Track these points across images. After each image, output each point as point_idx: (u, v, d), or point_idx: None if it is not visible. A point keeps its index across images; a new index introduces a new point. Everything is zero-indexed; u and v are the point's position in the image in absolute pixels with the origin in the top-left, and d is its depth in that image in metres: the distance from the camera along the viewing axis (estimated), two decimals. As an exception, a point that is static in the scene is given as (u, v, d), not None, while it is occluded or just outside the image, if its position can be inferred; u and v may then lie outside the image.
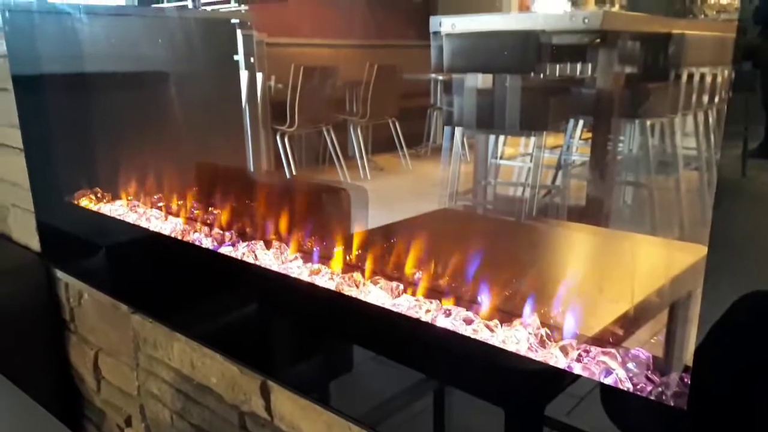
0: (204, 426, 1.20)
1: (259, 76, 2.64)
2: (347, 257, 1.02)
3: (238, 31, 2.21)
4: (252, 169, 2.43)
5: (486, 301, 0.80)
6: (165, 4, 2.21)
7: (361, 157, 3.33)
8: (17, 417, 1.01)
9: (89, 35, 1.49)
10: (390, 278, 0.90)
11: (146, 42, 1.62)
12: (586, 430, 0.67)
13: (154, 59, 1.63)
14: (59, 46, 1.50)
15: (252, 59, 2.45)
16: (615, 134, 2.29)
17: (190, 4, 2.35)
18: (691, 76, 2.34)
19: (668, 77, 2.32)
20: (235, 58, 2.19)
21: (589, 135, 2.22)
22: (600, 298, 0.89)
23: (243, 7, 2.51)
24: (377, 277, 0.89)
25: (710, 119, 2.57)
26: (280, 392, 1.01)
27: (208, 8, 2.55)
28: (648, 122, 2.34)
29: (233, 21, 2.15)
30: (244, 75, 2.40)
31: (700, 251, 1.07)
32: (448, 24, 2.23)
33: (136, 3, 2.13)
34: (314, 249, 1.07)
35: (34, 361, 1.57)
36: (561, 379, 0.64)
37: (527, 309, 0.74)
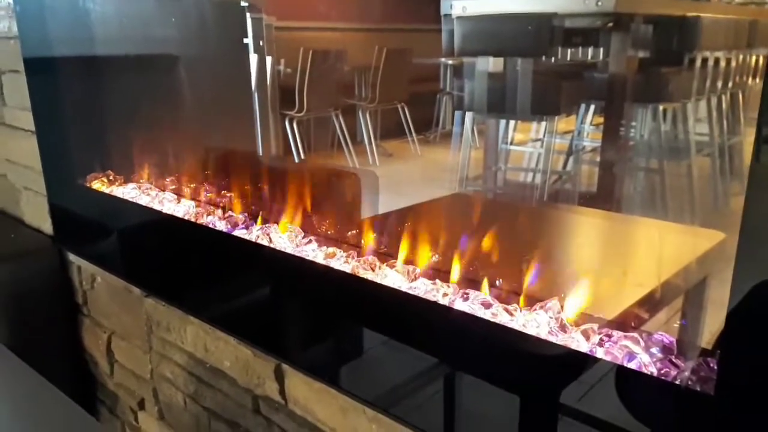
0: (217, 409, 1.20)
1: (269, 60, 2.62)
2: (363, 241, 1.01)
3: (248, 14, 2.19)
4: (261, 153, 2.42)
5: (504, 284, 0.79)
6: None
7: (370, 143, 3.31)
8: (34, 399, 1.02)
9: (101, 17, 1.48)
10: (410, 263, 0.90)
11: (157, 24, 1.61)
12: (604, 419, 0.66)
13: (165, 41, 1.61)
14: (70, 28, 1.48)
15: (261, 43, 2.43)
16: (627, 119, 2.27)
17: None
18: (705, 61, 2.31)
19: (682, 62, 2.29)
20: (245, 41, 2.18)
21: (601, 120, 2.20)
22: (617, 282, 0.88)
23: (252, -10, 2.48)
24: (393, 261, 0.89)
25: (724, 105, 2.55)
26: (294, 376, 1.01)
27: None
28: (661, 107, 2.31)
29: (243, 4, 2.13)
30: (253, 59, 2.38)
31: (715, 236, 1.06)
32: (459, 6, 2.20)
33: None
34: (328, 232, 1.06)
35: (47, 345, 1.58)
36: (583, 364, 0.64)
37: (547, 293, 0.73)
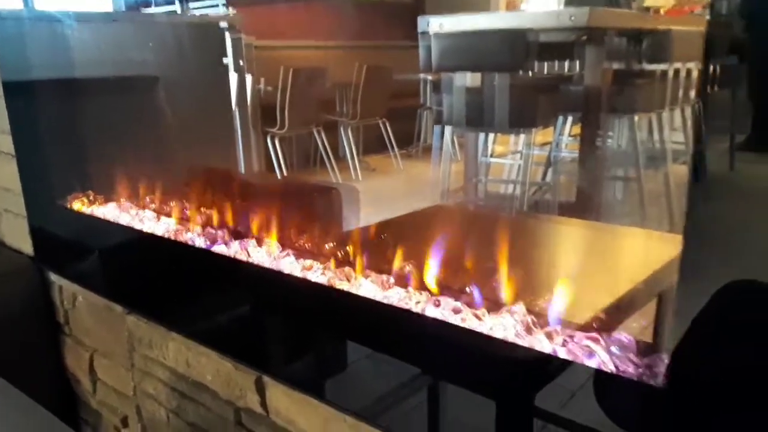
0: (200, 423, 1.21)
1: (249, 78, 2.65)
2: (339, 253, 1.03)
3: (227, 35, 2.22)
4: (243, 171, 2.44)
5: (477, 291, 0.81)
6: (153, 9, 2.22)
7: (352, 158, 3.34)
8: (20, 418, 1.03)
9: (79, 41, 1.51)
10: (382, 272, 0.92)
11: (136, 47, 1.63)
12: (581, 423, 0.69)
13: (144, 63, 1.64)
14: (49, 52, 1.51)
15: (241, 62, 2.47)
16: (603, 130, 2.32)
17: (178, 9, 2.36)
18: (677, 72, 2.37)
19: (655, 73, 2.35)
20: (224, 61, 2.21)
21: (578, 131, 2.25)
22: (586, 287, 0.91)
23: (231, 11, 2.52)
24: (368, 271, 0.91)
25: (698, 113, 2.60)
26: (275, 387, 1.02)
27: (197, 12, 2.56)
28: (636, 117, 2.37)
29: (222, 25, 2.17)
30: (233, 78, 2.41)
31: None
32: (435, 24, 2.25)
33: (123, 8, 2.14)
34: (306, 246, 1.08)
35: (29, 365, 1.58)
36: (546, 363, 0.66)
37: (515, 298, 0.76)
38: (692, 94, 2.55)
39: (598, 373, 0.63)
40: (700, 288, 0.57)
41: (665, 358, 0.61)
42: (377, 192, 2.98)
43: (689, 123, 2.57)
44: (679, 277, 0.59)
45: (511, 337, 0.70)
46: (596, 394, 0.65)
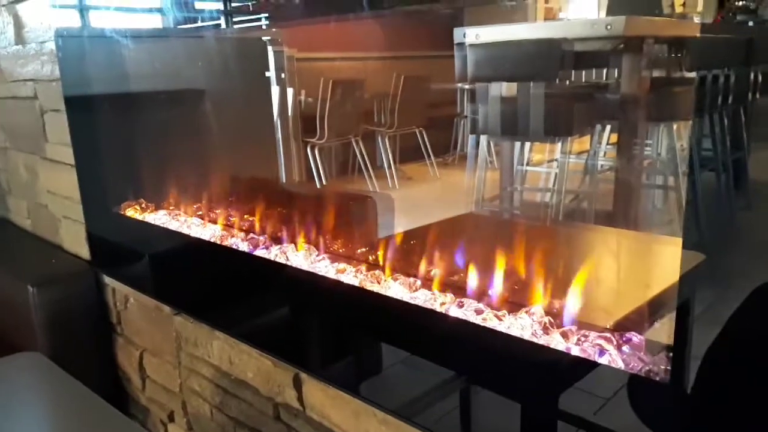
0: (241, 418, 1.29)
1: (290, 90, 2.74)
2: (372, 258, 1.09)
3: (269, 48, 2.31)
4: (284, 180, 2.53)
5: (503, 294, 0.86)
6: (200, 23, 2.33)
7: (390, 167, 3.40)
8: (77, 404, 1.12)
9: (133, 57, 1.61)
10: (413, 276, 0.97)
11: (185, 61, 1.73)
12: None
13: (192, 78, 1.73)
14: (106, 68, 1.62)
15: (283, 75, 2.56)
16: (641, 138, 2.31)
17: (223, 24, 2.46)
18: (716, 78, 2.35)
19: (693, 80, 2.34)
20: (267, 74, 2.29)
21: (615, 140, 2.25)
22: (614, 293, 0.94)
23: (273, 25, 2.61)
24: (397, 275, 0.97)
25: (726, 120, 2.58)
26: (310, 383, 1.08)
27: (241, 26, 2.66)
28: (674, 125, 2.35)
29: (264, 38, 2.26)
30: (275, 90, 2.50)
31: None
32: (471, 35, 2.29)
33: (172, 25, 2.25)
34: (342, 250, 1.15)
35: (85, 362, 1.68)
36: (560, 361, 0.71)
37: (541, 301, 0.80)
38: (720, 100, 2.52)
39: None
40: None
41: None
42: (413, 200, 3.03)
43: (718, 130, 2.54)
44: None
45: (527, 337, 0.74)
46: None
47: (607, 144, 2.62)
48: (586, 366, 0.70)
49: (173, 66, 1.71)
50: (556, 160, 2.47)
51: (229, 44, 1.97)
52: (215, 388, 1.34)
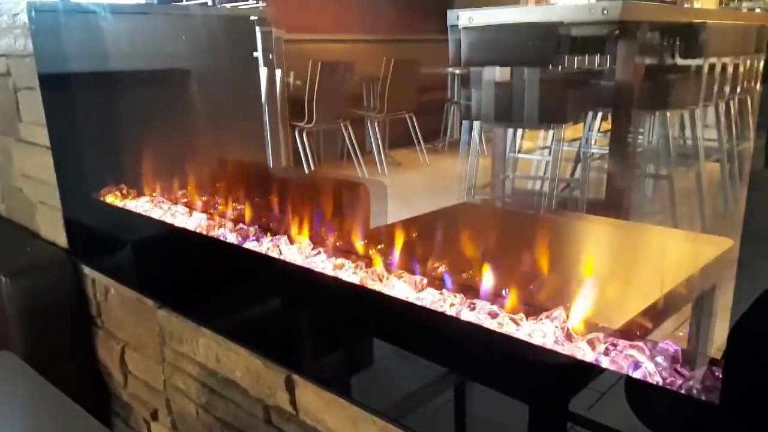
0: (229, 419, 1.22)
1: (278, 72, 2.65)
2: (368, 251, 1.03)
3: (257, 28, 2.22)
4: (271, 165, 2.45)
5: (512, 294, 0.80)
6: (185, 2, 2.23)
7: (379, 153, 3.33)
8: (51, 412, 1.04)
9: (113, 33, 1.51)
10: (412, 272, 0.91)
11: (168, 39, 1.64)
12: (612, 426, 0.67)
13: (176, 56, 1.64)
14: (84, 45, 1.52)
15: (271, 56, 2.46)
16: (635, 126, 2.27)
17: (209, 2, 2.36)
18: (713, 67, 2.31)
19: (689, 68, 2.30)
20: (255, 55, 2.20)
21: (609, 127, 2.21)
22: (625, 290, 0.89)
23: (261, 4, 2.52)
24: (400, 271, 0.90)
25: (732, 110, 2.55)
26: (304, 386, 1.02)
27: (228, 5, 2.56)
28: (668, 114, 2.32)
29: (252, 18, 2.16)
30: (263, 72, 2.41)
31: (723, 243, 1.06)
32: (465, 17, 2.22)
33: (156, 1, 2.15)
34: (337, 243, 1.08)
35: (62, 357, 1.60)
36: (588, 373, 0.65)
37: (554, 302, 0.74)
38: (727, 90, 2.49)
39: (632, 381, 0.61)
40: (749, 292, 0.55)
41: (712, 368, 0.59)
42: (403, 187, 2.97)
43: (724, 120, 2.51)
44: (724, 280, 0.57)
45: (550, 344, 0.68)
46: (630, 400, 0.63)
47: (598, 132, 2.58)
48: (613, 377, 0.64)
49: (157, 44, 1.62)
50: (548, 147, 2.42)
51: (215, 23, 1.88)
52: (201, 387, 1.27)
